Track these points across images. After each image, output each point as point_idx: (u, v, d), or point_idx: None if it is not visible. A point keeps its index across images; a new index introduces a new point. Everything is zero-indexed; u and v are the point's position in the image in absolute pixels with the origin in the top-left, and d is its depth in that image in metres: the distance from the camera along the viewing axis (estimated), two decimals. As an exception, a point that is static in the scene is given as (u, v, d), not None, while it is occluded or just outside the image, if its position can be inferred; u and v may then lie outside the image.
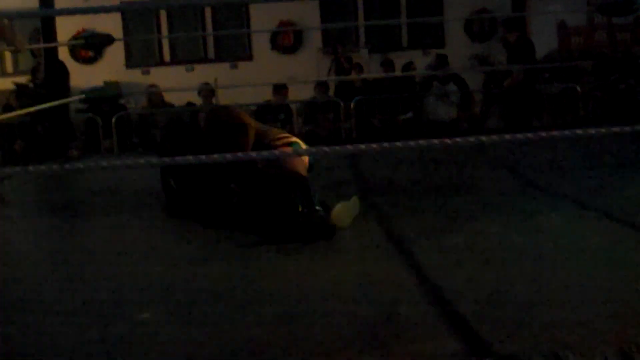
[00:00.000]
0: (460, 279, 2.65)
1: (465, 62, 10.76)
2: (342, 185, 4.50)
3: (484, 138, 2.28)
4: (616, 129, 2.30)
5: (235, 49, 11.74)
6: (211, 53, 11.74)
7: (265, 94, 9.64)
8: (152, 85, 10.10)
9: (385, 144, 2.26)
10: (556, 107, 9.50)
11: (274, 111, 9.46)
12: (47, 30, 6.81)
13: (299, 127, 9.47)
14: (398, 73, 9.51)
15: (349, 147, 2.26)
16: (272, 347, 2.13)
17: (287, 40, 11.49)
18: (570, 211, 3.59)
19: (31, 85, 8.60)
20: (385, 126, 9.18)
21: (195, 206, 3.88)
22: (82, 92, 6.55)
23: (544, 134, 2.29)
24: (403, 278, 2.71)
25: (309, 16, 10.97)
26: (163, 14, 11.48)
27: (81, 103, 8.24)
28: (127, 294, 2.70)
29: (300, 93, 10.00)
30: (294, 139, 3.95)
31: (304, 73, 10.47)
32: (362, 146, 2.24)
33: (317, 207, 3.42)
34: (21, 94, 8.81)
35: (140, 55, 11.68)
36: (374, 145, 2.25)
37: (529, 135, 2.33)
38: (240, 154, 2.32)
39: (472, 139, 2.28)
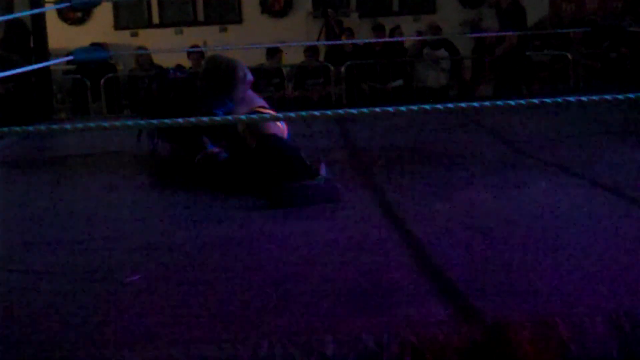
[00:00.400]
0: (450, 246, 2.65)
1: (457, 28, 10.72)
2: (332, 151, 4.49)
3: (475, 104, 2.27)
4: (607, 97, 2.29)
5: (224, 12, 11.66)
6: (201, 16, 11.66)
7: (256, 58, 9.58)
8: (141, 48, 10.02)
9: (377, 109, 2.24)
10: (546, 74, 9.49)
11: (268, 75, 9.40)
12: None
13: (289, 91, 9.43)
14: (389, 38, 9.46)
15: (340, 111, 2.24)
16: (262, 310, 2.13)
17: (277, 3, 11.41)
18: (560, 179, 3.59)
19: None
20: (375, 93, 9.15)
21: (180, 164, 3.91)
22: (70, 53, 6.47)
23: (535, 101, 2.28)
24: (393, 244, 2.71)
25: (300, -21, 10.89)
26: (152, -25, 11.38)
27: (69, 64, 8.17)
28: (118, 256, 2.69)
29: (289, 57, 9.94)
30: (273, 112, 3.96)
31: (293, 37, 10.40)
32: (353, 111, 2.22)
33: (320, 172, 3.43)
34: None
35: (129, 17, 11.59)
36: (365, 110, 2.23)
37: (521, 102, 2.32)
38: (221, 117, 2.29)
39: (463, 104, 2.26)
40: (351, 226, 2.99)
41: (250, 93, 4.02)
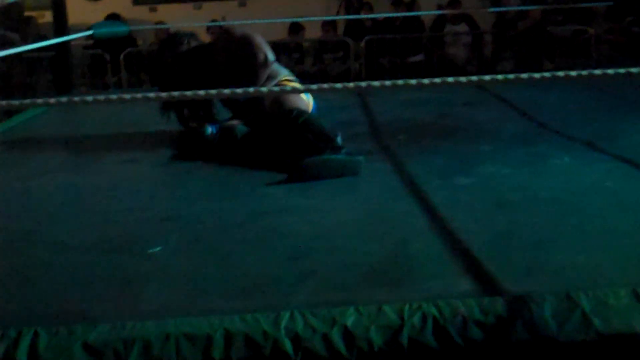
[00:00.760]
0: (472, 220, 2.64)
1: (477, 2, 10.61)
2: (353, 125, 4.47)
3: (499, 77, 2.24)
4: (634, 70, 2.25)
5: (243, -14, 11.60)
6: (220, -10, 11.61)
7: (275, 33, 9.54)
8: (160, 22, 10.01)
9: (399, 82, 2.22)
10: (568, 49, 9.39)
11: (288, 50, 9.37)
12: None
13: (308, 66, 9.40)
14: (407, 13, 9.39)
15: (362, 83, 2.22)
16: (281, 282, 2.13)
17: (296, -23, 11.33)
18: (584, 153, 3.56)
19: None
20: (395, 68, 9.10)
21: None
22: (89, 28, 6.47)
23: (560, 74, 2.25)
24: (414, 217, 2.70)
25: (320, -47, 10.80)
26: (171, -50, 11.33)
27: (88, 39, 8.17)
28: (138, 229, 2.70)
29: (309, 32, 9.90)
30: (298, 84, 3.92)
31: (313, 12, 10.35)
32: (376, 83, 2.20)
33: (339, 144, 3.41)
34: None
35: (147, -9, 11.56)
36: (388, 83, 2.21)
37: (545, 75, 2.28)
38: (233, 91, 2.28)
39: (487, 77, 2.23)
40: (372, 200, 2.98)
41: (274, 67, 3.94)
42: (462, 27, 9.30)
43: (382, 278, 2.14)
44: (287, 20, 9.24)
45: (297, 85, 3.90)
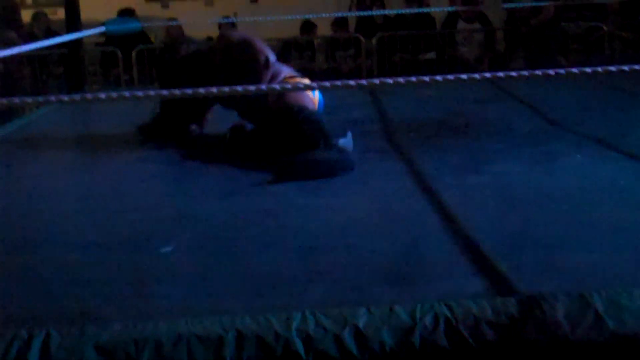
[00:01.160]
0: (484, 218, 2.62)
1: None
2: (365, 122, 4.46)
3: (513, 74, 2.22)
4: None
5: (256, -17, 11.60)
6: (231, -13, 11.60)
7: (287, 29, 9.52)
8: (172, 19, 10.01)
9: (412, 79, 2.20)
10: (581, 46, 9.33)
11: (300, 48, 9.35)
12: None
13: (320, 63, 9.38)
14: (420, 10, 9.34)
15: (375, 81, 2.21)
16: (294, 281, 2.12)
17: (308, -26, 11.31)
18: (596, 151, 3.54)
19: None
20: (407, 65, 9.07)
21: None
22: (102, 24, 6.48)
23: (575, 71, 2.23)
24: (426, 216, 2.68)
25: (331, -51, 10.77)
26: (182, -54, 11.34)
27: (100, 36, 8.19)
28: (150, 228, 2.70)
29: (320, 29, 9.87)
30: (306, 80, 3.90)
31: (325, 8, 10.33)
32: (388, 80, 2.19)
33: (333, 142, 3.39)
34: None
35: (159, -12, 11.57)
36: (401, 80, 2.20)
37: (560, 72, 2.27)
38: (245, 87, 2.28)
39: (501, 74, 2.22)
40: (384, 198, 2.97)
41: (276, 67, 3.94)
42: (475, 25, 9.25)
43: (393, 278, 2.13)
44: (298, 17, 9.22)
45: (302, 81, 3.88)
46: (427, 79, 2.19)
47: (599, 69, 2.19)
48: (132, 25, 6.65)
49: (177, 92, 2.16)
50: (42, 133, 4.71)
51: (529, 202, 2.82)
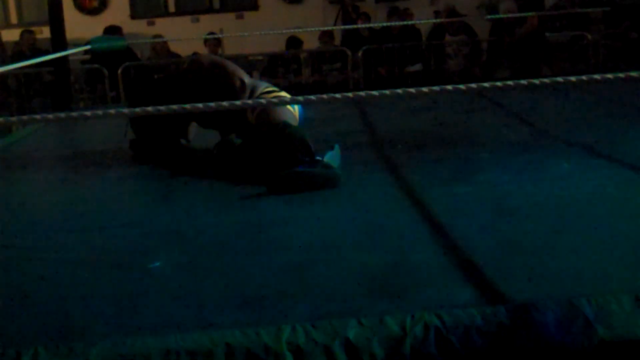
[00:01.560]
0: (472, 228, 2.62)
1: (473, 10, 10.62)
2: (352, 135, 4.46)
3: (498, 83, 2.23)
4: (634, 74, 2.25)
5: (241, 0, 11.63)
6: (217, 3, 11.65)
7: (273, 44, 9.55)
8: (158, 36, 10.01)
9: (398, 90, 2.21)
10: (565, 56, 9.38)
11: (286, 62, 9.37)
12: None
13: (306, 77, 9.41)
14: (406, 22, 9.39)
15: (361, 93, 2.22)
16: (282, 294, 2.12)
17: (293, -11, 11.37)
18: (583, 159, 3.55)
19: None
20: (393, 77, 9.10)
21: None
22: (88, 42, 6.47)
23: (559, 80, 2.25)
24: (414, 226, 2.69)
25: (316, -36, 10.83)
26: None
27: (86, 54, 8.18)
28: (138, 243, 2.69)
29: (307, 43, 9.91)
30: (283, 93, 3.90)
31: (310, 23, 10.36)
32: (375, 92, 2.19)
33: (318, 158, 3.38)
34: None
35: (145, 6, 11.59)
36: (387, 92, 2.20)
37: (544, 80, 2.28)
38: (226, 103, 2.28)
39: (486, 84, 2.23)
40: (372, 209, 2.97)
41: (252, 85, 3.91)
42: (461, 37, 9.31)
43: (383, 289, 2.12)
44: (284, 32, 9.25)
45: (281, 94, 3.88)
46: (412, 90, 2.20)
47: (584, 78, 2.21)
48: (115, 43, 6.64)
49: (162, 108, 2.16)
50: (28, 151, 4.70)
51: (517, 210, 2.82)
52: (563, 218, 2.70)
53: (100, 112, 2.24)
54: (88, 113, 2.20)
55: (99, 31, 9.26)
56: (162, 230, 2.83)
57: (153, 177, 3.78)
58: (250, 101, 3.33)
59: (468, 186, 3.19)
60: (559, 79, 2.17)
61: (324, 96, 2.27)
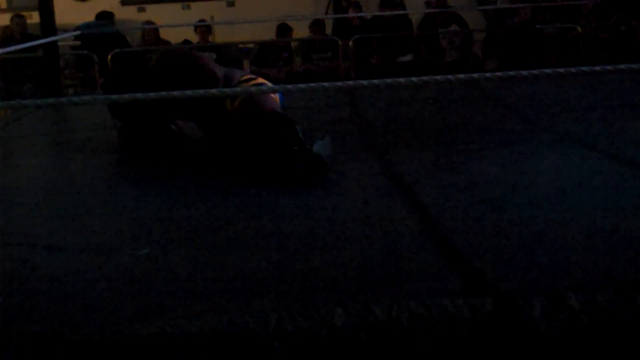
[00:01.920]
0: (461, 219, 2.63)
1: (465, 1, 10.62)
2: (342, 124, 4.46)
3: (487, 75, 2.24)
4: (621, 67, 2.26)
5: (232, -14, 11.58)
6: (208, -10, 11.58)
7: (264, 32, 9.52)
8: (148, 22, 9.97)
9: (387, 80, 2.22)
10: (556, 47, 9.39)
11: (277, 50, 9.35)
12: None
13: (297, 66, 9.39)
14: (397, 12, 9.38)
15: (350, 82, 2.22)
16: (271, 282, 2.12)
17: (284, -24, 11.32)
18: (571, 151, 3.56)
19: None
20: (384, 67, 9.09)
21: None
22: (77, 28, 6.45)
23: (548, 71, 2.25)
24: (403, 216, 2.69)
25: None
26: (159, -50, 11.31)
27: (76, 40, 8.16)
28: (124, 230, 2.69)
29: (297, 32, 9.89)
30: (261, 80, 3.89)
31: (301, 11, 10.34)
32: (364, 82, 2.20)
33: (308, 146, 3.38)
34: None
35: (135, -8, 11.53)
36: (376, 81, 2.21)
37: (533, 72, 2.29)
38: (206, 91, 2.28)
39: (475, 75, 2.23)
40: (360, 199, 2.97)
41: (227, 75, 3.87)
42: (452, 28, 9.30)
43: (370, 277, 2.13)
44: (275, 20, 9.22)
45: (258, 81, 3.86)
46: (402, 80, 2.20)
47: (572, 70, 2.22)
48: (105, 29, 6.62)
49: (152, 94, 2.16)
50: (16, 136, 4.68)
51: (505, 202, 2.83)
52: (551, 210, 2.70)
53: (89, 98, 2.22)
54: (77, 99, 2.19)
55: (89, 17, 9.22)
56: (150, 217, 2.83)
57: (141, 164, 3.77)
58: (238, 89, 3.32)
59: (457, 177, 3.19)
60: (547, 70, 2.18)
61: (314, 85, 2.27)
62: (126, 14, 11.05)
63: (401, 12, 9.29)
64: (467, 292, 1.99)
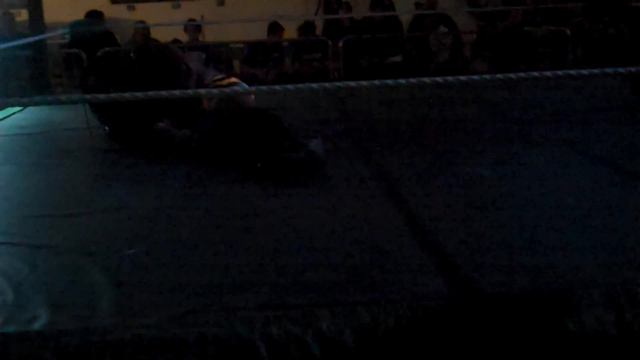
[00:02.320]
0: (448, 221, 2.64)
1: (454, 3, 10.62)
2: (331, 125, 4.46)
3: (476, 77, 2.24)
4: (608, 70, 2.27)
5: (222, -14, 11.56)
6: (198, -11, 11.55)
7: (254, 32, 9.50)
8: (140, 22, 9.93)
9: (376, 82, 2.22)
10: (544, 50, 9.41)
11: (267, 50, 9.34)
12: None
13: (288, 66, 9.38)
14: (387, 12, 9.38)
15: (338, 84, 2.22)
16: (258, 282, 2.12)
17: (275, -24, 11.30)
18: (560, 154, 3.58)
19: None
20: (373, 68, 9.09)
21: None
22: (66, 26, 6.42)
23: (536, 74, 2.26)
24: (391, 218, 2.70)
25: (298, -48, 10.78)
26: (149, -51, 11.27)
27: (65, 38, 8.11)
28: (114, 230, 2.68)
29: (287, 32, 9.87)
30: (234, 79, 3.92)
31: (292, 11, 10.32)
32: (352, 83, 2.20)
33: (301, 142, 3.39)
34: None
35: (125, -9, 11.48)
36: (364, 83, 2.21)
37: (521, 75, 2.30)
38: (182, 92, 2.28)
39: (463, 78, 2.24)
40: (349, 200, 2.97)
41: (200, 71, 3.94)
42: (442, 29, 9.31)
43: (357, 279, 2.13)
44: (265, 20, 9.21)
45: (232, 80, 3.90)
46: (391, 82, 2.21)
47: (560, 73, 2.22)
48: (95, 27, 6.59)
49: (139, 94, 2.15)
50: (5, 134, 4.65)
51: (492, 204, 2.84)
52: (537, 212, 2.71)
53: (77, 96, 2.22)
54: (64, 98, 2.18)
55: (79, 15, 9.17)
56: (137, 218, 2.82)
57: (130, 163, 3.76)
58: (229, 90, 3.32)
59: (445, 179, 3.20)
60: (535, 73, 2.18)
61: (302, 86, 2.27)
62: (116, 13, 11.00)
63: (391, 13, 9.29)
64: (453, 294, 2.00)
